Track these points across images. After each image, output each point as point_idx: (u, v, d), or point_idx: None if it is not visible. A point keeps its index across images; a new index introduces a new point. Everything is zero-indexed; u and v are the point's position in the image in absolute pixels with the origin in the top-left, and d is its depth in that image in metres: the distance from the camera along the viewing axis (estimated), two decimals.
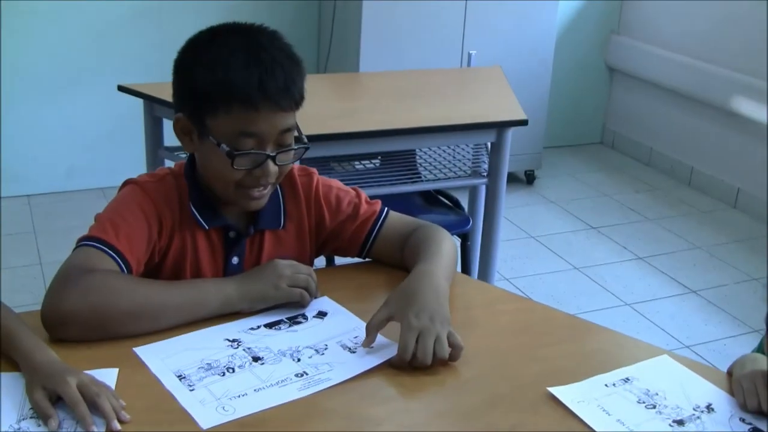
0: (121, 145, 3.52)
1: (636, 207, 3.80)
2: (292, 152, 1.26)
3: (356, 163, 2.47)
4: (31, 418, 1.00)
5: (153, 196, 1.27)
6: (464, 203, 2.67)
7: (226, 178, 1.24)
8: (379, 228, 1.39)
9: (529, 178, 4.01)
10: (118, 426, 0.99)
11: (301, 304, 1.26)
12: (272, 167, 1.23)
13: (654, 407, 1.10)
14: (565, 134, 4.45)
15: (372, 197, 1.42)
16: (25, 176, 3.53)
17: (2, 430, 0.98)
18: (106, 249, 1.20)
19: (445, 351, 1.13)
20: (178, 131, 1.27)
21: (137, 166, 2.16)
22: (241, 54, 1.20)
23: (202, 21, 1.34)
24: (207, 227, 1.30)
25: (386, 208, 1.41)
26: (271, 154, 1.22)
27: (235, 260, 1.32)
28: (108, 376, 1.08)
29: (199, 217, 1.29)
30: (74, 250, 1.21)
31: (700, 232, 3.55)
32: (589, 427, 1.05)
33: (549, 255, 3.32)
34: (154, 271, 1.29)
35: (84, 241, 1.21)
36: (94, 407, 1.00)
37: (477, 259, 2.57)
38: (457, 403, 1.10)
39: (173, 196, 1.29)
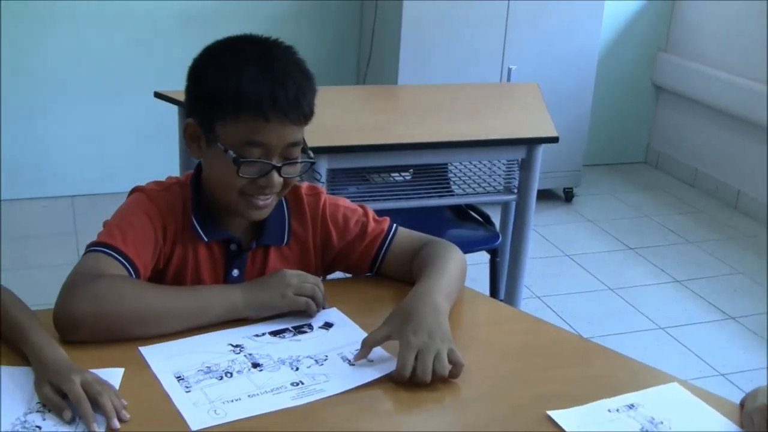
0: (159, 150, 3.59)
1: (677, 229, 3.72)
2: (298, 165, 1.27)
3: (386, 175, 2.47)
4: (37, 412, 1.03)
5: (158, 204, 1.29)
6: (498, 219, 2.65)
7: (230, 186, 1.25)
8: (388, 246, 1.38)
9: (568, 196, 3.95)
10: (117, 424, 1.01)
11: (308, 314, 1.27)
12: (276, 178, 1.24)
13: None
14: (607, 152, 4.38)
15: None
16: (68, 177, 3.63)
17: (9, 422, 1.01)
18: (115, 254, 1.22)
19: (445, 368, 1.12)
20: (187, 137, 1.29)
21: (172, 171, 2.20)
22: (255, 64, 1.22)
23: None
24: (206, 239, 1.31)
25: (395, 225, 1.41)
26: (276, 165, 1.23)
27: (235, 272, 1.34)
28: (113, 375, 1.10)
29: (199, 228, 1.30)
30: (83, 255, 1.24)
31: (743, 257, 3.45)
32: None
33: (583, 274, 3.27)
34: (158, 276, 1.31)
35: (93, 247, 1.24)
36: (96, 405, 1.02)
37: (506, 276, 2.55)
38: (454, 423, 1.09)
39: (177, 206, 1.31)
